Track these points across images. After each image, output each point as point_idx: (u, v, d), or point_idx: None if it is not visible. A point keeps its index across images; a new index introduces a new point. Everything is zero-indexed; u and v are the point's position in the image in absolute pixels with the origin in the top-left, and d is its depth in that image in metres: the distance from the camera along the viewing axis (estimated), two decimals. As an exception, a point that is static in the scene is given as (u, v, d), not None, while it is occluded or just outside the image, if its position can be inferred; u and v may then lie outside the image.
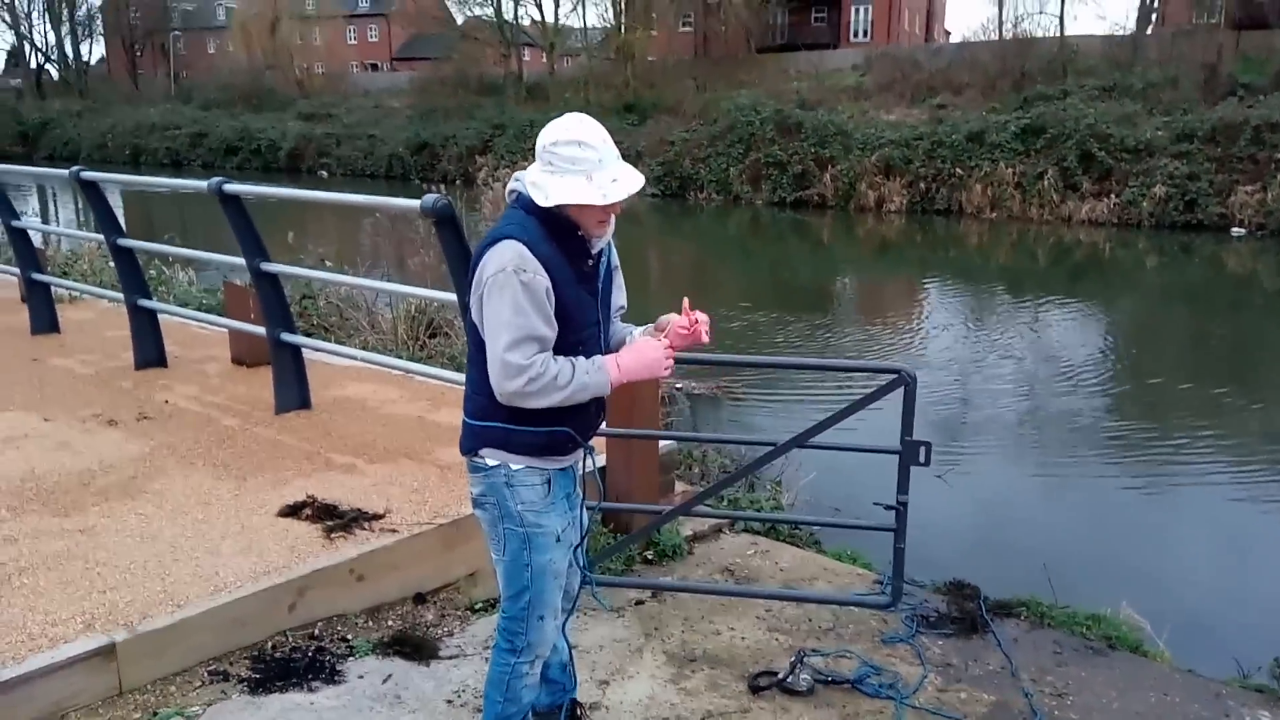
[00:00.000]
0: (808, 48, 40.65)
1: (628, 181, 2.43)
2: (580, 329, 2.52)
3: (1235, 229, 21.67)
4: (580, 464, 2.71)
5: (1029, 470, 7.77)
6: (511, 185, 2.55)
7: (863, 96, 31.97)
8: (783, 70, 36.98)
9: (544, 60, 44.13)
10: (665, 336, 2.60)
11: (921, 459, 3.71)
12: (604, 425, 4.55)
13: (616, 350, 2.66)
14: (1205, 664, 3.91)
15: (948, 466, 7.45)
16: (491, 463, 2.55)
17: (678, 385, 9.18)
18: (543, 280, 2.39)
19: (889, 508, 3.77)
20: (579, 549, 2.76)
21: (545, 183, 2.42)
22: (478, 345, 2.50)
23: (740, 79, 35.45)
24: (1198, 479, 7.65)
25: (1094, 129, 23.74)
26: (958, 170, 24.98)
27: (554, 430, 2.52)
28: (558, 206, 2.42)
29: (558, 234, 2.46)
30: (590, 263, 2.54)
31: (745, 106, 29.29)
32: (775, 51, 40.89)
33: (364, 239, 12.31)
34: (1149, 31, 32.41)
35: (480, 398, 2.53)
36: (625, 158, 2.54)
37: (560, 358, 2.46)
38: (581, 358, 2.49)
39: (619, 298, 2.75)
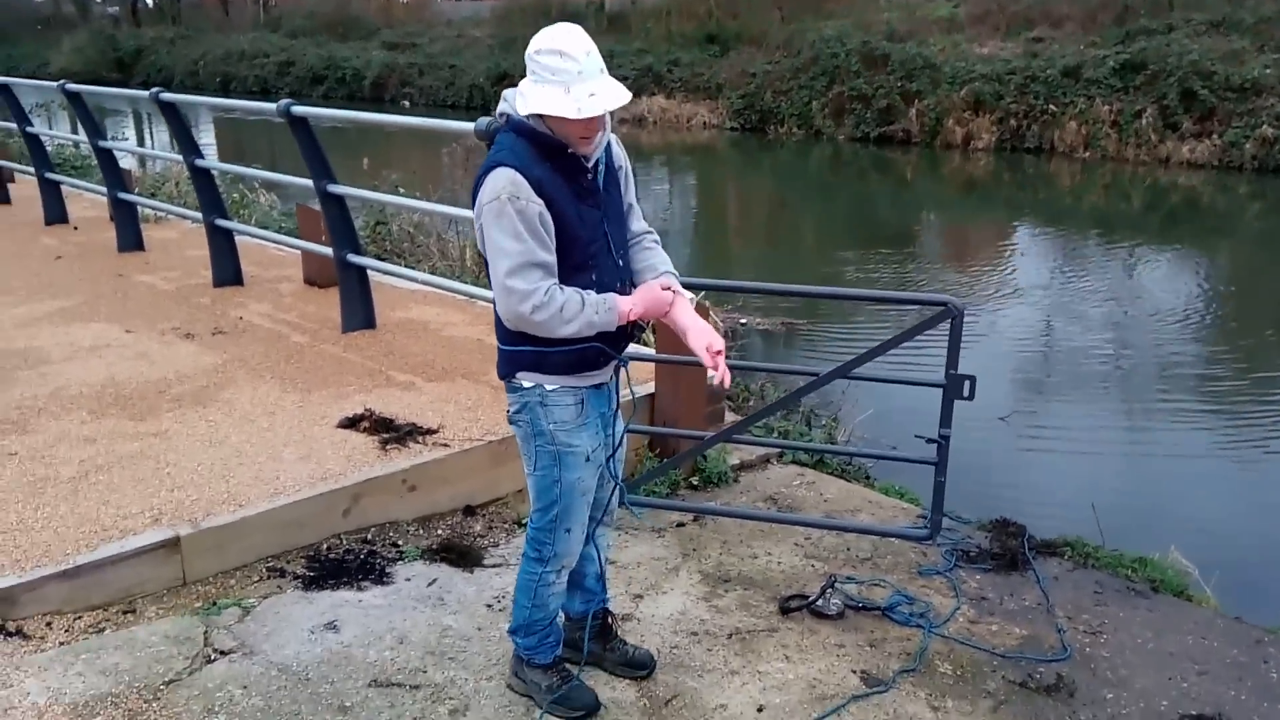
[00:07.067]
0: (900, -25, 39.18)
1: (607, 97, 2.36)
2: (588, 244, 2.51)
3: (1346, 173, 20.49)
4: (615, 381, 2.76)
5: (1095, 415, 7.59)
6: (501, 106, 2.52)
7: (956, 29, 30.78)
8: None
9: (627, -12, 43.42)
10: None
11: (965, 393, 3.68)
12: (653, 352, 4.64)
13: (638, 268, 2.69)
14: (1253, 613, 3.84)
15: (1012, 409, 7.35)
16: (527, 384, 2.61)
17: (742, 320, 9.17)
18: (536, 206, 2.39)
19: (930, 441, 3.77)
20: (611, 461, 2.81)
21: (528, 91, 2.41)
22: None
23: (828, 8, 34.35)
24: (1258, 429, 7.39)
25: (1197, 65, 22.49)
26: (1051, 107, 23.92)
27: (585, 347, 2.55)
28: (534, 116, 2.40)
29: (549, 153, 2.44)
30: (589, 177, 2.52)
31: (831, 38, 28.43)
32: (866, -21, 39.50)
33: (439, 166, 12.42)
34: (1267, -39, 30.40)
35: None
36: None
37: (570, 290, 2.44)
38: (592, 293, 2.48)
39: (627, 196, 2.70)
